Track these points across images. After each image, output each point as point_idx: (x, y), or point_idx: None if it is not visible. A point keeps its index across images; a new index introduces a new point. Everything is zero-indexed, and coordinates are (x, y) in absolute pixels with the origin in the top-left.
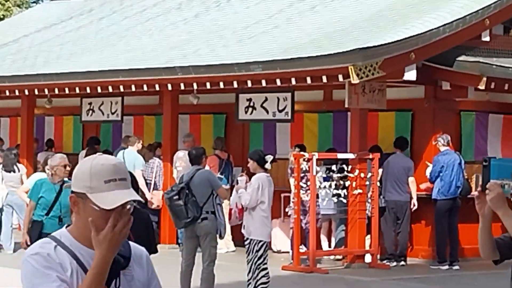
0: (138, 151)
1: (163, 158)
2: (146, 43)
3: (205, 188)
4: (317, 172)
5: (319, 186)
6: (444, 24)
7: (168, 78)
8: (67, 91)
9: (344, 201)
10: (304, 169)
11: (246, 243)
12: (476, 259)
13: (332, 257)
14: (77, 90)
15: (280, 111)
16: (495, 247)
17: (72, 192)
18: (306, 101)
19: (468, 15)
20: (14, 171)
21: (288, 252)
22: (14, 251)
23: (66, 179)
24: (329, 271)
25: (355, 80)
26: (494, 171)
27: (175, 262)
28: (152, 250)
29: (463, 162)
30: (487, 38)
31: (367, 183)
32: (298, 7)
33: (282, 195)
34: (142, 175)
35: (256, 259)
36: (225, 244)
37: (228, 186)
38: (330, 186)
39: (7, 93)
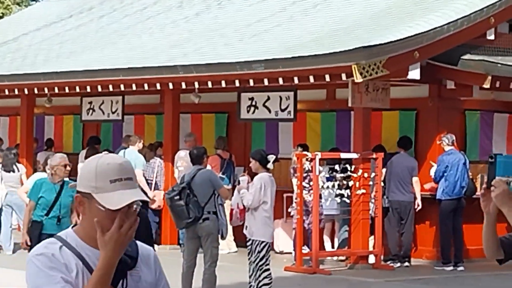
0: (139, 151)
1: (164, 158)
2: (147, 42)
3: (206, 188)
4: (320, 172)
5: (322, 186)
6: (449, 22)
7: (169, 77)
8: (67, 90)
9: (347, 201)
10: (307, 169)
11: (248, 244)
12: (481, 260)
13: (335, 258)
14: (77, 89)
15: (282, 110)
16: (499, 246)
17: (78, 192)
18: (308, 100)
19: (473, 13)
20: (13, 171)
21: (290, 253)
22: (14, 251)
23: (66, 179)
24: (332, 272)
25: (358, 79)
26: (500, 168)
27: (176, 263)
28: None
29: (467, 162)
30: (492, 37)
31: (371, 183)
32: (301, 5)
33: (285, 195)
34: (143, 175)
35: (258, 260)
36: (227, 245)
37: (230, 186)
38: (333, 186)
39: (7, 92)
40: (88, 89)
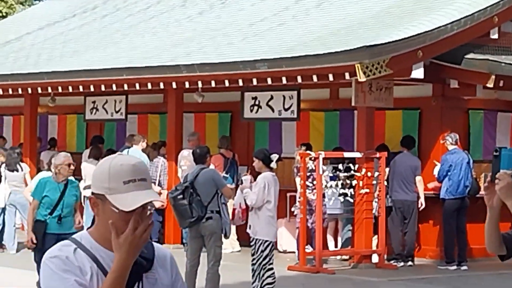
0: (143, 150)
1: (168, 157)
2: (150, 41)
3: (209, 187)
4: (323, 171)
5: (326, 186)
6: (452, 22)
7: (173, 76)
8: (70, 90)
9: (351, 200)
10: (310, 168)
11: (251, 243)
12: (485, 259)
13: (338, 257)
14: (81, 89)
15: (286, 110)
16: (501, 241)
17: (92, 193)
18: (312, 100)
19: (476, 12)
20: (17, 170)
21: (294, 252)
22: (17, 251)
23: (71, 178)
24: (336, 272)
25: (362, 78)
26: (505, 161)
27: (179, 262)
28: None
29: (471, 161)
30: (496, 36)
31: (374, 182)
32: (304, 4)
33: (288, 194)
34: None
35: (261, 259)
36: (230, 244)
37: (233, 186)
38: (336, 185)
39: (10, 91)
40: (92, 89)
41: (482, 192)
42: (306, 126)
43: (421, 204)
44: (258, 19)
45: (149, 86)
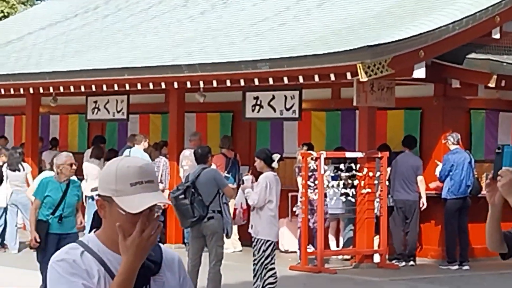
0: (144, 150)
1: (169, 157)
2: (152, 41)
3: (211, 187)
4: (325, 171)
5: (327, 185)
6: (454, 21)
7: (174, 76)
8: (72, 90)
9: (353, 200)
10: (312, 168)
11: (253, 242)
12: (486, 259)
13: (340, 257)
14: (82, 88)
15: (287, 110)
16: (503, 240)
17: (99, 195)
18: (313, 99)
19: (478, 12)
20: (19, 170)
21: (295, 252)
22: (19, 250)
23: (74, 177)
24: (337, 271)
25: (363, 78)
26: (507, 158)
27: None
28: None
29: (473, 161)
30: (498, 36)
31: (376, 182)
32: (306, 4)
33: (290, 194)
34: None
35: (263, 259)
36: (232, 244)
37: (235, 185)
38: (338, 185)
39: (12, 91)
40: (93, 88)
41: (483, 192)
42: (308, 126)
43: (423, 204)
44: (260, 19)
45: (151, 86)
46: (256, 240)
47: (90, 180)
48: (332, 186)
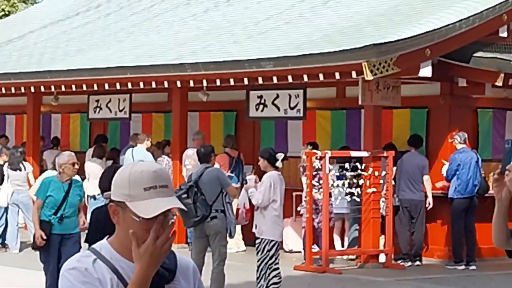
0: (147, 149)
1: (172, 156)
2: (154, 39)
3: (214, 186)
4: (330, 170)
5: (332, 185)
6: (461, 20)
7: (177, 75)
8: (73, 88)
9: (358, 200)
10: (316, 167)
11: (257, 242)
12: (493, 259)
13: (345, 257)
14: (84, 87)
15: (291, 109)
16: (509, 236)
17: (112, 201)
18: (318, 98)
19: (485, 10)
20: (20, 169)
21: (300, 252)
22: (20, 250)
23: (77, 177)
24: (342, 271)
25: (369, 76)
26: None
27: None
28: None
29: (480, 160)
30: (505, 34)
31: (381, 181)
32: (310, 2)
33: (294, 193)
34: None
35: (267, 259)
36: (235, 244)
37: (238, 185)
38: (343, 184)
39: (13, 90)
40: (95, 87)
41: (491, 191)
42: (312, 125)
43: (429, 204)
44: (264, 17)
45: (153, 85)
46: (260, 240)
47: (92, 180)
48: (337, 186)
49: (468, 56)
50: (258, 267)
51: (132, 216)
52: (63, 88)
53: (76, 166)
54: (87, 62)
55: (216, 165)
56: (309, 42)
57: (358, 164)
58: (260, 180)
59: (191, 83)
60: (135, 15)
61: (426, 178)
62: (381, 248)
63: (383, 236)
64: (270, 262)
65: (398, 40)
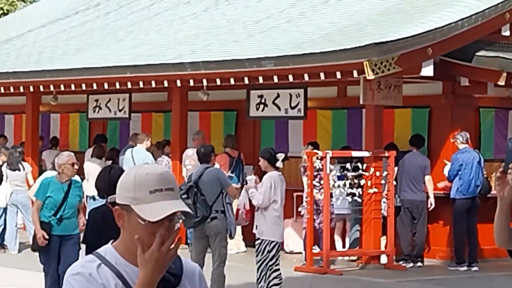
0: (147, 149)
1: (172, 156)
2: (154, 38)
3: (214, 187)
4: (331, 170)
5: (333, 185)
6: (463, 18)
7: (177, 74)
8: (73, 88)
9: (359, 200)
10: (317, 167)
11: (257, 243)
12: (496, 260)
13: (346, 258)
14: (83, 87)
15: (292, 108)
16: (511, 236)
17: (117, 204)
18: (319, 98)
19: (488, 8)
20: (19, 170)
21: (301, 253)
22: (19, 251)
23: (76, 177)
24: (344, 273)
25: (370, 76)
26: None
27: None
28: None
29: (482, 160)
30: (507, 33)
31: (383, 182)
32: (311, 1)
33: (295, 194)
34: None
35: (268, 260)
36: (235, 245)
37: (239, 185)
38: (344, 185)
39: (12, 89)
40: (95, 87)
41: (493, 191)
42: (313, 125)
43: (431, 204)
44: (264, 16)
45: (153, 84)
46: (260, 240)
47: (91, 180)
48: (338, 186)
49: (470, 55)
50: (259, 268)
51: (137, 220)
52: (62, 88)
53: (76, 167)
54: (86, 61)
55: (216, 165)
56: (310, 41)
57: (359, 164)
58: (260, 180)
59: (191, 83)
60: (135, 14)
61: (427, 178)
62: (383, 249)
63: (384, 237)
64: (270, 263)
65: (399, 39)
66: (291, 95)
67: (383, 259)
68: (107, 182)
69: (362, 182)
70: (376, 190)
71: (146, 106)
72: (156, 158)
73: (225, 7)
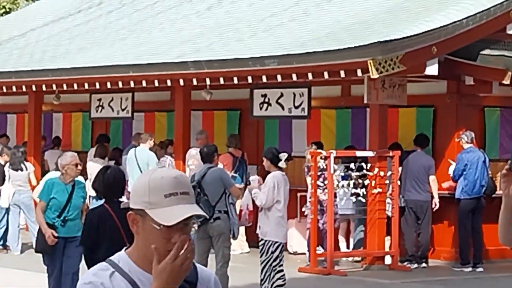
0: (150, 149)
1: (175, 156)
2: (157, 37)
3: (217, 187)
4: (335, 170)
5: (337, 185)
6: (468, 17)
7: (180, 73)
8: (75, 87)
9: (363, 200)
10: (321, 167)
11: (260, 244)
12: (501, 261)
13: (350, 258)
14: (86, 86)
15: (296, 107)
16: None
17: (131, 209)
18: (323, 97)
19: (493, 7)
20: (21, 170)
21: (304, 254)
22: (22, 252)
23: (80, 178)
24: (348, 273)
25: (374, 75)
26: None
27: None
28: None
29: (487, 160)
30: None
31: (387, 182)
32: None
33: (299, 194)
34: None
35: (271, 260)
36: (239, 245)
37: (242, 185)
38: (348, 185)
39: (14, 89)
40: (97, 86)
41: (498, 191)
42: (317, 124)
43: (435, 204)
44: (268, 14)
45: (156, 84)
46: (264, 241)
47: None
48: (342, 186)
49: (475, 53)
50: (262, 269)
51: (152, 225)
52: (64, 87)
53: (79, 167)
54: (89, 60)
55: (220, 165)
56: (314, 39)
57: (363, 164)
58: (264, 181)
59: (194, 82)
60: (138, 13)
61: (432, 178)
62: (387, 249)
63: (389, 238)
64: (274, 264)
65: (404, 38)
66: (294, 94)
67: (388, 259)
68: (102, 183)
69: (366, 182)
70: (380, 190)
71: (149, 106)
72: (159, 158)
73: (228, 5)
